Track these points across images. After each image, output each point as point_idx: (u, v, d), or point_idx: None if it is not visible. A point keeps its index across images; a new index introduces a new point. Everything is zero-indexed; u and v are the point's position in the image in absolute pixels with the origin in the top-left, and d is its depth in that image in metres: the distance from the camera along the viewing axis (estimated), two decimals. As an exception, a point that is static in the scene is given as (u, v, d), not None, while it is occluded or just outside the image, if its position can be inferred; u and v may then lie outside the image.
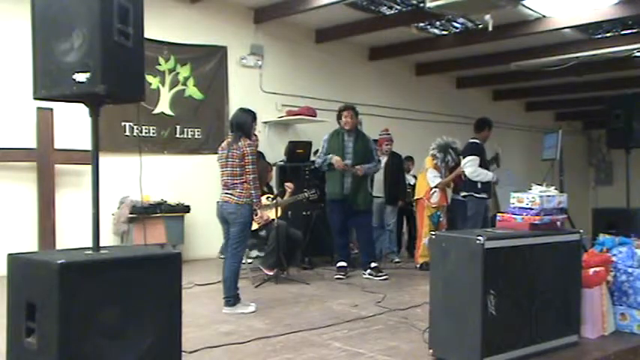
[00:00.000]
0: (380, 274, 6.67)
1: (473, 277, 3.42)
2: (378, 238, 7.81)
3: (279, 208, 6.57)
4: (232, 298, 5.02)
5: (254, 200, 5.00)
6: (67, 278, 2.42)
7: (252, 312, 4.98)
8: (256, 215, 5.12)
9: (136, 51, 2.79)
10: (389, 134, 8.22)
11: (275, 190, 7.14)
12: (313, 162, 8.29)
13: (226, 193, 5.04)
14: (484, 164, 7.12)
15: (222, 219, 5.14)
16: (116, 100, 2.99)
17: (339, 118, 6.89)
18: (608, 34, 9.58)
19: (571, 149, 14.84)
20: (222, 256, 7.47)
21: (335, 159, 6.61)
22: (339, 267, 6.77)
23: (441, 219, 7.58)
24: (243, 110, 5.28)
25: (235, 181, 4.99)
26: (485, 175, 7.02)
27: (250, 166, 4.96)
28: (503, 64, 11.10)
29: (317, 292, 5.94)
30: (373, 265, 6.76)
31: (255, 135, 8.28)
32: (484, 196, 7.08)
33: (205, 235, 7.93)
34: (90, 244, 2.80)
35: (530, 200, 3.96)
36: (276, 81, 9.35)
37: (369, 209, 6.99)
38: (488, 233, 3.64)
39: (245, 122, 5.15)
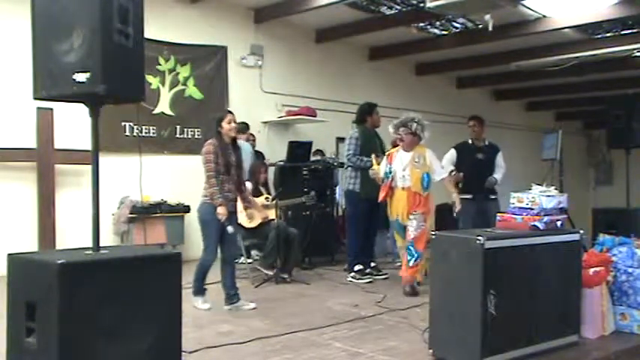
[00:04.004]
0: (380, 273, 6.69)
1: (473, 277, 3.42)
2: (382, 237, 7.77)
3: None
4: (193, 287, 5.15)
5: (209, 199, 5.00)
6: (67, 278, 2.42)
7: (208, 309, 5.09)
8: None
9: (136, 51, 2.79)
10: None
11: (272, 191, 7.13)
12: (313, 162, 8.31)
13: None
14: None
15: None
16: (116, 100, 2.99)
17: (369, 114, 6.68)
18: (608, 34, 9.59)
19: (571, 149, 14.83)
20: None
21: (374, 172, 6.08)
22: (359, 270, 6.50)
23: (409, 224, 5.85)
24: (221, 111, 5.41)
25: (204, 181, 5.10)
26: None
27: (204, 165, 5.01)
28: (503, 64, 11.11)
29: (317, 292, 5.94)
30: (372, 264, 6.77)
31: (252, 134, 8.40)
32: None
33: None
34: (90, 244, 2.80)
35: (530, 200, 3.96)
36: (276, 81, 9.35)
37: None
38: (488, 233, 3.64)
39: (214, 123, 5.21)
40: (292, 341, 4.11)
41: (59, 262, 2.41)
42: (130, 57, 2.74)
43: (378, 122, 6.81)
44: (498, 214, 4.17)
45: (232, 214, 5.12)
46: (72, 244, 3.53)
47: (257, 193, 6.73)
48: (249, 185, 6.72)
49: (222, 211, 4.91)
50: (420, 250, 5.74)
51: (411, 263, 5.77)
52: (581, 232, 4.07)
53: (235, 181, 5.12)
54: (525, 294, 3.64)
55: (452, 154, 7.04)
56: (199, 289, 5.19)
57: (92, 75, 2.58)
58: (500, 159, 6.97)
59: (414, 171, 5.88)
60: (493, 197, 6.95)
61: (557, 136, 8.00)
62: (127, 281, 2.61)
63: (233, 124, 5.11)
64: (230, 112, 5.33)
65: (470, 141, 7.09)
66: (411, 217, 5.82)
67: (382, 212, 6.56)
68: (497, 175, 6.89)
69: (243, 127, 8.08)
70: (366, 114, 6.75)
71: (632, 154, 6.93)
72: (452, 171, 6.90)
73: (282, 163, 8.22)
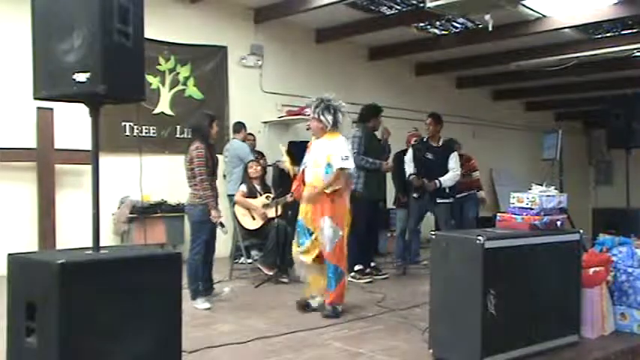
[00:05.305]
0: (380, 273, 6.70)
1: (473, 277, 3.42)
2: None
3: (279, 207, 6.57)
4: (191, 292, 5.12)
5: (204, 201, 5.07)
6: (67, 278, 2.42)
7: (208, 308, 5.08)
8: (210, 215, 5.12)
9: (136, 51, 2.79)
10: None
11: (273, 190, 7.12)
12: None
13: (189, 194, 5.24)
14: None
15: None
16: (116, 100, 2.99)
17: (375, 116, 6.66)
18: (608, 34, 9.58)
19: (571, 149, 14.83)
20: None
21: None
22: (359, 270, 6.45)
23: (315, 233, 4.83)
24: (201, 113, 5.48)
25: (190, 183, 5.17)
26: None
27: (197, 169, 5.06)
28: (503, 64, 11.10)
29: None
30: (372, 264, 6.77)
31: (252, 134, 8.41)
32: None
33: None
34: (90, 244, 2.80)
35: (530, 200, 3.96)
36: (276, 81, 9.35)
37: None
38: (488, 233, 3.64)
39: (200, 125, 5.27)
40: (292, 341, 4.10)
41: (59, 262, 2.41)
42: (130, 57, 2.74)
43: (379, 126, 6.85)
44: (498, 214, 4.17)
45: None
46: (72, 244, 3.53)
47: (253, 195, 6.71)
48: (243, 188, 6.73)
49: (216, 214, 5.07)
50: (340, 267, 4.84)
51: (332, 287, 4.81)
52: (581, 232, 4.07)
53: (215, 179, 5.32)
54: (525, 294, 3.64)
55: (409, 153, 6.98)
56: (196, 292, 5.18)
57: (92, 75, 2.58)
58: (452, 161, 6.70)
59: (317, 163, 4.92)
60: (440, 201, 6.66)
61: (557, 136, 7.99)
62: (126, 281, 2.61)
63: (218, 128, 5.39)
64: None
65: (425, 138, 7.00)
66: (324, 227, 4.76)
67: (382, 212, 6.58)
68: (445, 177, 6.61)
69: (239, 127, 8.08)
70: (372, 115, 6.73)
71: (632, 154, 6.92)
72: (410, 175, 6.80)
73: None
